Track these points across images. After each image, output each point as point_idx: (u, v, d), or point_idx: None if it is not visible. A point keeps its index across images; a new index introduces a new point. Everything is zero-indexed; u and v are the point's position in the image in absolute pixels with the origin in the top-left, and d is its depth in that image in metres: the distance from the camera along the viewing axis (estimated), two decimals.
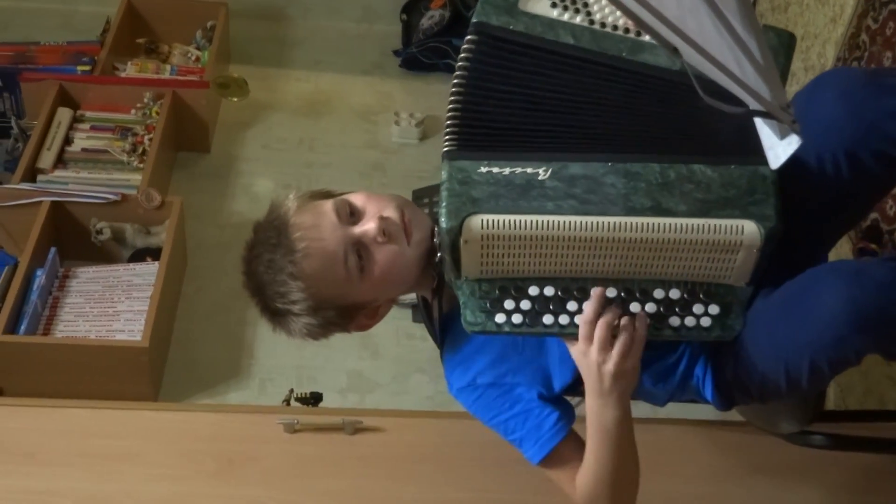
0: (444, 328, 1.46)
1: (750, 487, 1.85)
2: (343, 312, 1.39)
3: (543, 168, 1.22)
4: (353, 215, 1.37)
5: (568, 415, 1.41)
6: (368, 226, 1.35)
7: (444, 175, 1.22)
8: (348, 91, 3.46)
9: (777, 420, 1.65)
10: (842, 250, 2.31)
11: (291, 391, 2.10)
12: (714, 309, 1.26)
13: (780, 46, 1.31)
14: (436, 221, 1.26)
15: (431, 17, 3.50)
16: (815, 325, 1.20)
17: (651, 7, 0.88)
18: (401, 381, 2.50)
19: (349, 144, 3.24)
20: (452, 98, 1.28)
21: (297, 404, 2.07)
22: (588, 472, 1.35)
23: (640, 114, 1.28)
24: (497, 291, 1.27)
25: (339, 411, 2.01)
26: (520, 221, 1.20)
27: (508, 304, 1.26)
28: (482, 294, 1.27)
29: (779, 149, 1.09)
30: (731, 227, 1.19)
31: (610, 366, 1.24)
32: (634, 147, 1.24)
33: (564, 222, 1.19)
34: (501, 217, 1.20)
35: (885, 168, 1.30)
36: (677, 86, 1.25)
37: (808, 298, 1.22)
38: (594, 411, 1.30)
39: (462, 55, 1.31)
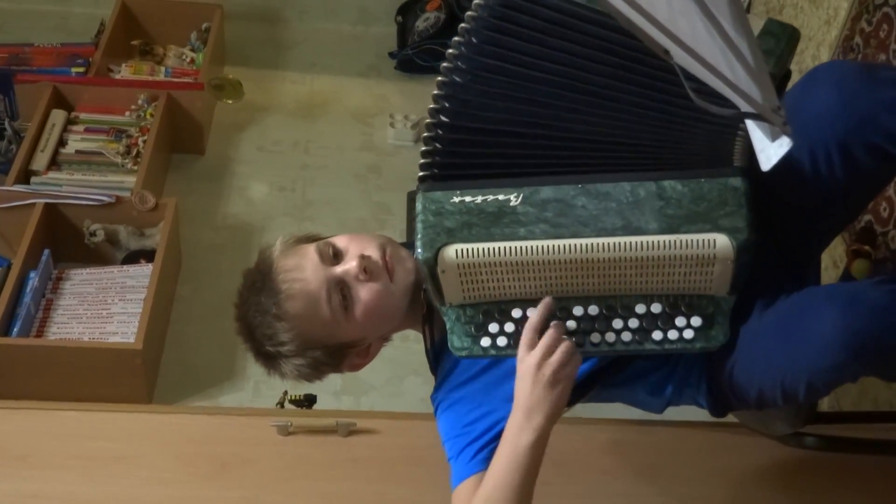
0: (437, 354, 1.46)
1: (744, 489, 1.85)
2: (332, 352, 1.42)
3: (515, 194, 1.23)
4: (335, 256, 1.40)
5: None
6: (350, 265, 1.38)
7: (418, 207, 1.25)
8: (344, 93, 3.46)
9: (771, 422, 1.66)
10: (836, 252, 2.31)
11: (285, 393, 2.10)
12: (696, 321, 1.26)
13: (783, 35, 1.31)
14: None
15: (427, 20, 3.50)
16: (811, 351, 1.20)
17: (641, 9, 0.88)
18: (395, 383, 2.50)
19: (345, 146, 3.24)
20: (429, 120, 1.29)
21: (291, 406, 2.06)
22: (483, 492, 1.31)
23: (617, 117, 1.28)
24: (481, 316, 1.29)
25: (332, 413, 2.01)
26: (493, 249, 1.21)
27: (493, 328, 1.28)
28: (467, 319, 1.29)
29: (770, 151, 1.09)
30: (702, 241, 1.19)
31: (547, 370, 1.24)
32: (605, 166, 1.25)
33: (536, 247, 1.21)
34: (474, 245, 1.22)
35: (878, 163, 1.29)
36: (658, 76, 1.25)
37: (804, 324, 1.22)
38: (512, 430, 1.28)
39: (444, 65, 1.32)
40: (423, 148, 1.28)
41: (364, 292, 1.37)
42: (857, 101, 1.26)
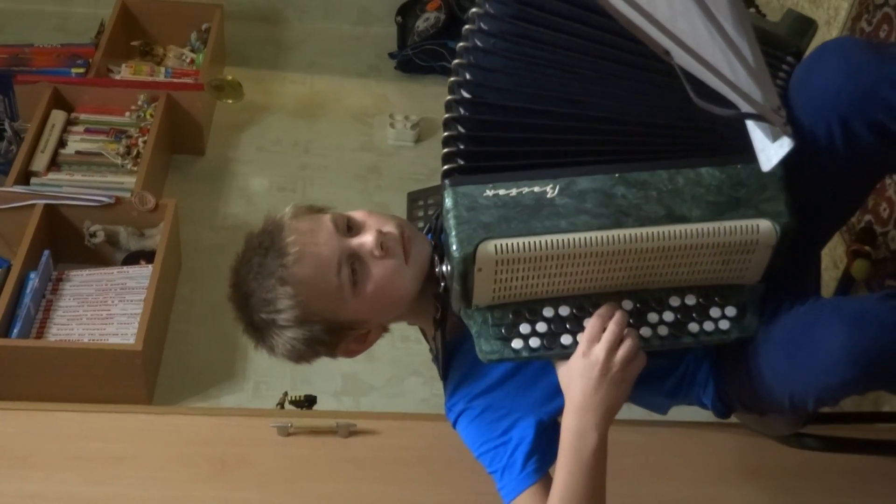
0: (448, 357, 1.42)
1: (744, 489, 1.85)
2: (331, 329, 1.33)
3: (551, 185, 1.18)
4: (351, 229, 1.33)
5: (553, 450, 1.32)
6: (366, 238, 1.31)
7: (448, 203, 1.18)
8: (344, 93, 3.46)
9: (772, 423, 1.65)
10: (836, 252, 2.31)
11: (285, 394, 2.10)
12: (731, 311, 1.25)
13: (799, 23, 1.31)
14: (440, 251, 1.23)
15: (427, 20, 3.50)
16: (820, 369, 1.18)
17: (642, 9, 0.88)
18: (395, 383, 2.50)
19: (345, 147, 3.24)
20: (451, 107, 1.23)
21: (291, 407, 2.06)
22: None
23: (644, 107, 1.25)
24: (511, 316, 1.24)
25: (332, 414, 2.01)
26: (535, 243, 1.17)
27: (524, 329, 1.24)
28: (495, 321, 1.24)
29: (770, 151, 1.09)
30: (747, 227, 1.18)
31: (615, 368, 1.20)
32: (639, 154, 1.22)
33: (581, 239, 1.17)
34: (516, 240, 1.17)
35: (880, 142, 1.26)
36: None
37: (811, 341, 1.20)
38: (573, 433, 1.24)
39: (465, 28, 1.27)
40: (446, 133, 1.22)
41: (376, 269, 1.30)
42: (862, 73, 1.23)
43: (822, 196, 1.33)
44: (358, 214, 1.36)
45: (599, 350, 1.21)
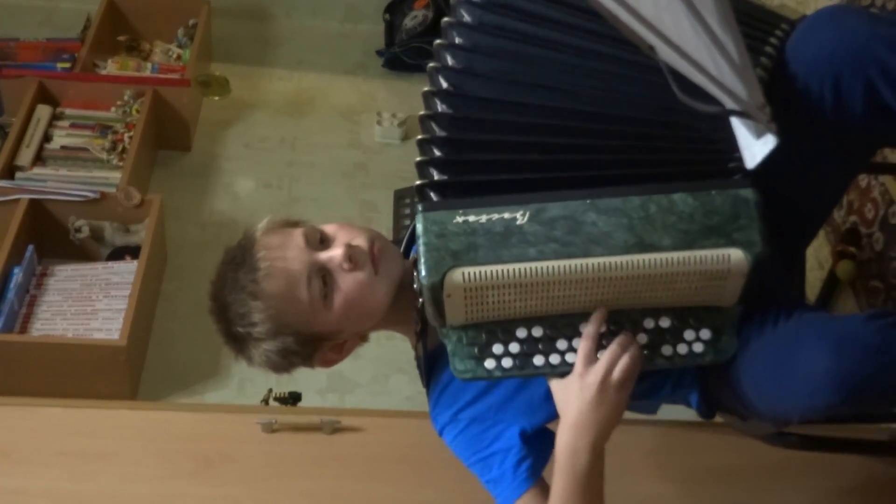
0: (430, 366, 1.43)
1: (728, 488, 1.85)
2: (305, 341, 1.35)
3: (521, 212, 1.18)
4: (322, 242, 1.35)
5: (543, 456, 1.37)
6: (335, 252, 1.33)
7: (419, 229, 1.19)
8: (331, 91, 3.46)
9: (755, 425, 1.66)
10: (821, 254, 2.32)
11: (270, 391, 2.10)
12: (705, 333, 1.24)
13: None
14: (416, 271, 1.23)
15: (415, 18, 3.50)
16: (803, 392, 1.17)
17: (627, 4, 0.89)
18: (381, 381, 2.49)
19: (331, 144, 3.24)
20: (428, 101, 1.25)
21: (276, 404, 2.06)
22: None
23: (624, 100, 1.26)
24: (484, 336, 1.24)
25: (317, 411, 2.00)
26: (501, 271, 1.17)
27: (497, 349, 1.24)
28: (469, 341, 1.24)
29: (755, 148, 1.10)
30: (718, 256, 1.17)
31: (611, 389, 1.21)
32: (613, 178, 1.21)
33: (547, 268, 1.17)
34: (483, 269, 1.17)
35: (870, 110, 1.25)
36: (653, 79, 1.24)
37: (795, 364, 1.19)
38: (568, 450, 1.25)
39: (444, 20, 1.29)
40: (419, 137, 1.24)
41: (345, 282, 1.32)
42: (855, 34, 1.23)
43: (810, 175, 1.32)
44: (329, 228, 1.38)
45: (595, 373, 1.21)
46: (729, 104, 1.02)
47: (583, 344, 1.22)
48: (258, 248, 1.33)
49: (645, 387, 1.40)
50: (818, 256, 2.33)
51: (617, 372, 1.21)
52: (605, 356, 1.21)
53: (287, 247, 1.33)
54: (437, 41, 1.29)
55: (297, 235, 1.35)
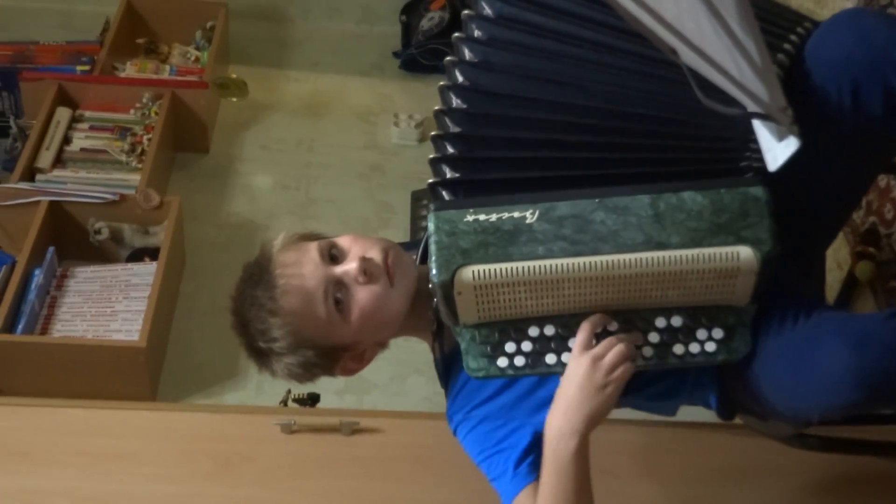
0: (447, 367, 1.45)
1: (745, 489, 1.85)
2: (324, 354, 1.39)
3: (531, 211, 1.20)
4: (337, 257, 1.37)
5: None
6: (349, 266, 1.35)
7: (430, 227, 1.22)
8: (348, 92, 3.46)
9: (774, 425, 1.65)
10: (840, 254, 2.31)
11: (289, 392, 2.10)
12: (718, 333, 1.24)
13: None
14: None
15: (431, 19, 3.50)
16: (824, 391, 1.18)
17: (649, 8, 0.89)
18: (398, 382, 2.50)
19: (348, 145, 3.24)
20: (443, 94, 1.26)
21: (295, 405, 2.06)
22: None
23: (639, 97, 1.26)
24: (497, 335, 1.26)
25: (336, 412, 2.01)
26: (511, 269, 1.19)
27: (509, 347, 1.26)
28: (482, 339, 1.26)
29: (777, 151, 1.09)
30: (726, 254, 1.17)
31: (599, 371, 1.22)
32: (624, 177, 1.22)
33: (555, 266, 1.18)
34: (492, 266, 1.19)
35: (889, 113, 1.25)
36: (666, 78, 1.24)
37: (815, 362, 1.19)
38: (554, 435, 1.26)
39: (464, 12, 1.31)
40: (433, 134, 1.27)
41: (361, 294, 1.34)
42: (873, 37, 1.23)
43: (827, 178, 1.32)
44: (343, 241, 1.40)
45: (587, 356, 1.23)
46: (751, 106, 1.02)
47: (581, 329, 1.24)
48: (275, 266, 1.36)
49: (663, 387, 1.41)
50: (837, 257, 2.32)
51: (608, 357, 1.22)
52: (600, 344, 1.23)
53: (302, 263, 1.36)
54: (456, 34, 1.30)
55: (312, 251, 1.37)
